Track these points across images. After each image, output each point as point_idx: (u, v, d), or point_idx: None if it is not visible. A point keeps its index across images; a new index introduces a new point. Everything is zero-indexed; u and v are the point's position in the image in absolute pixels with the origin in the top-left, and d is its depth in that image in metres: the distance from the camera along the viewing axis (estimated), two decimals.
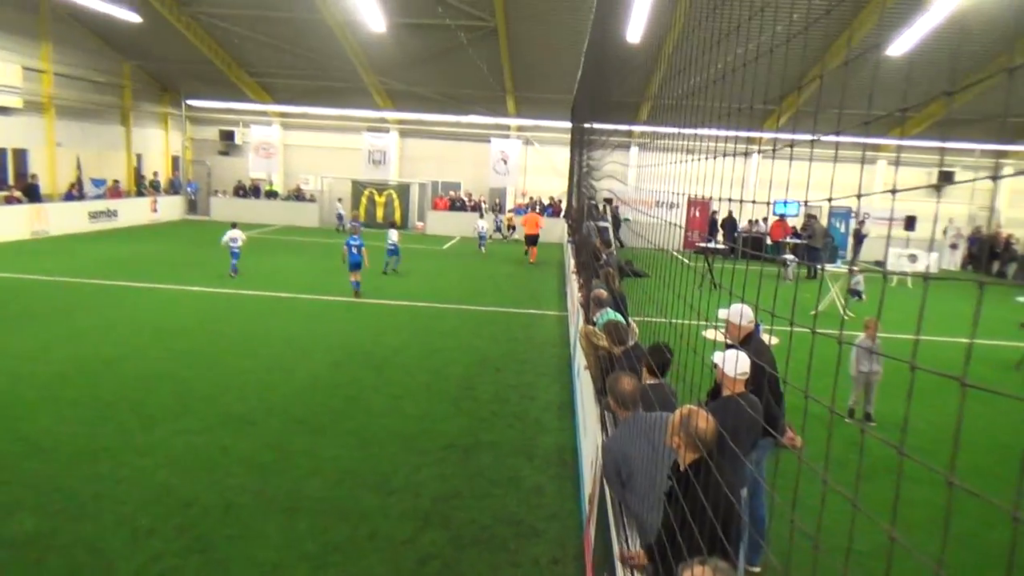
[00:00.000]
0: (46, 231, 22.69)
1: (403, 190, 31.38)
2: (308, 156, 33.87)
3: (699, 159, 3.62)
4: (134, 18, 23.27)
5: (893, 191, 1.70)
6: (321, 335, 12.12)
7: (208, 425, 7.81)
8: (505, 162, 31.11)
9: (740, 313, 5.33)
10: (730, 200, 2.92)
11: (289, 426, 7.93)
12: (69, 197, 25.14)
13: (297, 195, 32.09)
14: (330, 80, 29.28)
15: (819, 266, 21.51)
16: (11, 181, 23.68)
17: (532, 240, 24.13)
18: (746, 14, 3.13)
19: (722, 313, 5.47)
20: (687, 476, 3.30)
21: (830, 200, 1.97)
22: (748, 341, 5.29)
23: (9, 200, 22.26)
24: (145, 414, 8.03)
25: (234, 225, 17.79)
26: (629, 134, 28.58)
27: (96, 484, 6.31)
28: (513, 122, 31.77)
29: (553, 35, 23.80)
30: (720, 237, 26.18)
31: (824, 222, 26.63)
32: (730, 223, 27.46)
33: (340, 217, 29.83)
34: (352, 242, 15.61)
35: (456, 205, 31.12)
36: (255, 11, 24.09)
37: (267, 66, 28.91)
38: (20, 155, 24.29)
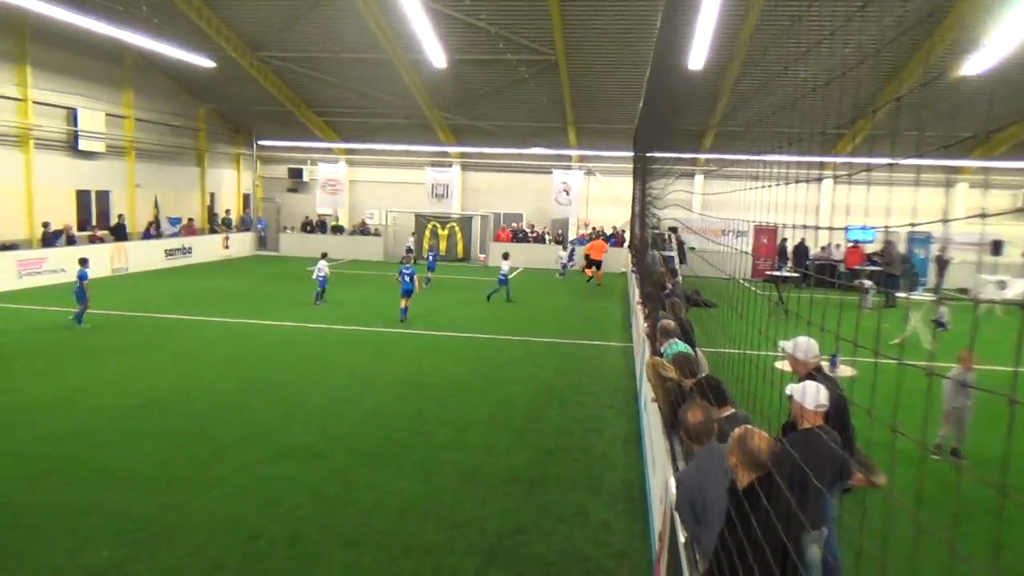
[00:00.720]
0: (125, 268, 23.79)
1: (465, 222, 31.76)
2: (373, 191, 34.71)
3: (767, 186, 3.55)
4: (208, 64, 24.44)
5: (983, 215, 1.62)
6: (385, 367, 12.27)
7: (275, 456, 7.96)
8: (567, 193, 31.22)
9: (804, 348, 5.11)
10: (804, 227, 2.85)
11: (354, 458, 8.01)
12: (147, 235, 26.34)
13: (362, 229, 32.85)
14: (394, 117, 30.05)
15: (898, 294, 20.71)
16: (94, 221, 24.97)
17: (596, 264, 24.75)
18: (814, 38, 3.07)
19: (786, 345, 5.24)
20: (745, 497, 3.20)
21: (912, 225, 1.89)
22: (812, 377, 5.09)
23: (93, 239, 23.44)
24: (215, 445, 8.25)
25: (324, 256, 19.02)
26: (693, 162, 28.34)
27: (169, 514, 6.48)
28: (574, 153, 31.91)
29: (613, 65, 23.92)
30: (791, 264, 25.54)
31: (902, 248, 25.71)
32: (802, 250, 26.78)
33: (410, 250, 30.19)
34: (404, 271, 16.64)
35: (519, 236, 31.28)
36: (322, 53, 25.00)
37: (333, 105, 29.89)
38: (102, 196, 25.62)
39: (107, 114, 24.84)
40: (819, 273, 24.86)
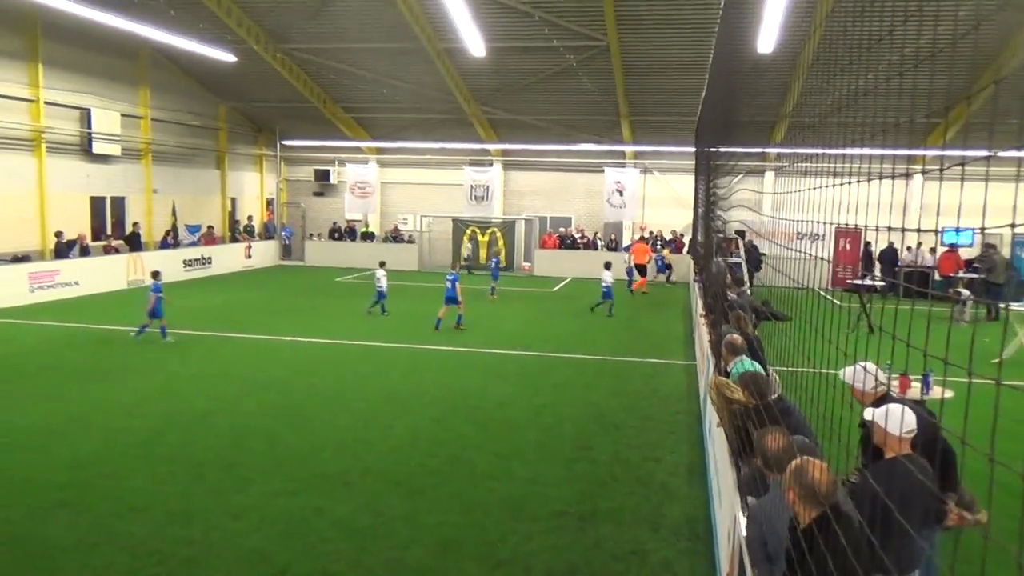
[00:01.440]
0: (142, 280, 24.45)
1: (508, 227, 31.91)
2: (406, 194, 35.11)
3: (848, 183, 3.51)
4: (229, 58, 25.07)
5: None
6: (421, 387, 12.38)
7: (302, 485, 8.08)
8: (621, 193, 31.14)
9: (863, 376, 5.02)
10: (890, 229, 2.81)
11: (387, 487, 8.09)
12: (164, 245, 27.07)
13: (394, 236, 33.20)
14: (429, 112, 30.40)
15: (1001, 305, 20.12)
16: (109, 230, 25.76)
17: (641, 270, 24.40)
18: (901, 15, 3.04)
19: (846, 375, 5.12)
20: (808, 536, 3.16)
21: (1013, 227, 1.86)
22: (880, 404, 4.98)
23: (107, 250, 24.18)
24: (238, 473, 8.41)
25: (382, 264, 19.89)
26: (763, 157, 28.01)
27: (188, 548, 6.63)
28: (629, 149, 31.83)
29: (672, 51, 23.82)
30: (877, 272, 25.03)
31: (1006, 252, 24.98)
32: (889, 255, 26.22)
33: (467, 259, 30.71)
34: (449, 278, 17.66)
35: (567, 243, 31.22)
36: (350, 44, 25.45)
37: (363, 101, 30.37)
38: (117, 203, 26.44)
39: (122, 114, 25.64)
40: (909, 281, 24.31)
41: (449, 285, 17.47)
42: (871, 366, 5.07)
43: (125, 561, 6.38)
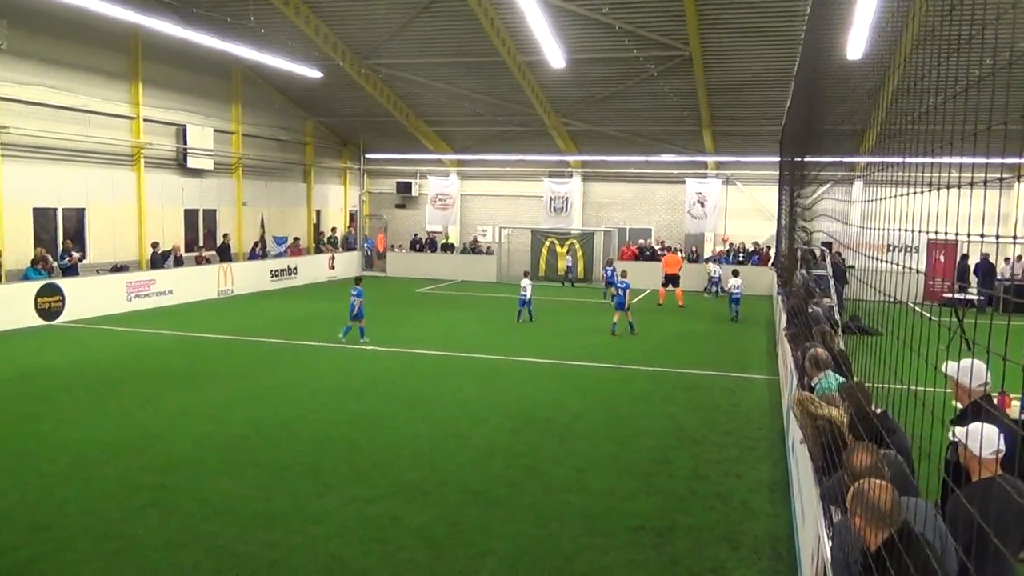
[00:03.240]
0: (231, 290, 25.34)
1: (587, 239, 31.80)
2: (485, 206, 35.41)
3: (942, 191, 3.37)
4: (316, 74, 25.82)
5: None
6: (498, 398, 12.43)
7: (380, 493, 8.20)
8: (702, 204, 30.69)
9: (971, 372, 4.84)
10: (982, 238, 2.68)
11: (464, 497, 8.13)
12: (252, 255, 27.99)
13: (473, 247, 33.51)
14: (509, 125, 30.62)
15: None
16: (201, 241, 26.80)
17: (672, 280, 24.10)
18: (993, 13, 2.91)
19: (951, 367, 4.98)
20: (878, 561, 3.02)
21: None
22: (978, 408, 4.75)
23: (199, 260, 25.16)
24: (319, 479, 8.59)
25: (526, 274, 20.91)
26: (852, 167, 27.18)
27: (270, 551, 6.80)
28: (711, 159, 31.37)
29: (757, 59, 23.38)
30: (973, 285, 23.93)
31: None
32: (985, 267, 25.04)
33: (569, 269, 31.07)
34: (621, 285, 18.75)
35: (646, 254, 30.89)
36: (432, 58, 25.88)
37: (445, 114, 30.82)
38: (209, 215, 27.50)
39: (216, 130, 26.69)
40: (1012, 294, 23.15)
41: (620, 292, 18.55)
42: (980, 363, 4.90)
43: (211, 562, 6.58)
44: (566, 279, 30.68)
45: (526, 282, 20.36)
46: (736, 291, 22.06)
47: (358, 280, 17.66)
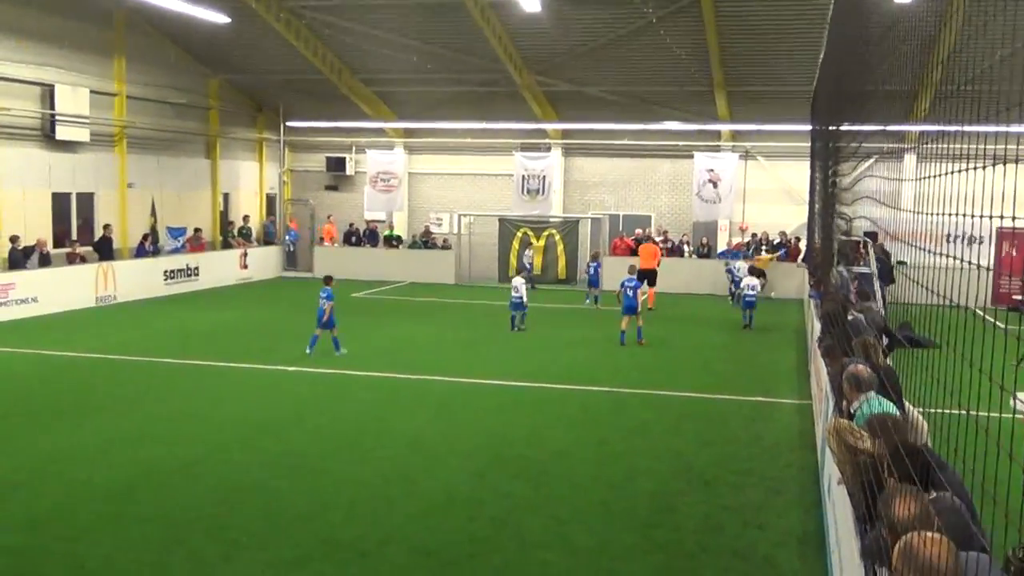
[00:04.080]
0: (113, 296, 25.02)
1: (569, 229, 31.85)
2: (440, 188, 35.34)
3: (1017, 166, 3.41)
4: (222, 19, 25.59)
5: None
6: (458, 432, 12.39)
7: (307, 555, 8.13)
8: (715, 185, 30.85)
9: None
10: None
11: (413, 559, 8.09)
12: (141, 252, 27.63)
13: (425, 240, 33.41)
14: (469, 84, 30.57)
15: None
16: (74, 234, 26.41)
17: (646, 277, 23.90)
18: None
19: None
20: None
21: None
22: None
23: (72, 259, 24.81)
24: (226, 538, 8.49)
25: (519, 271, 21.28)
26: (901, 137, 27.51)
27: None
28: (725, 128, 31.59)
29: (780, 2, 23.60)
30: None
31: None
32: None
33: (526, 268, 30.09)
34: (630, 284, 19.49)
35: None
36: (371, 0, 25.77)
37: (387, 71, 30.68)
38: (84, 200, 27.11)
39: (92, 91, 26.31)
40: None
41: (630, 293, 19.20)
42: None
43: None
44: (527, 278, 30.01)
45: (519, 281, 20.77)
46: (751, 292, 22.33)
47: (328, 280, 17.97)
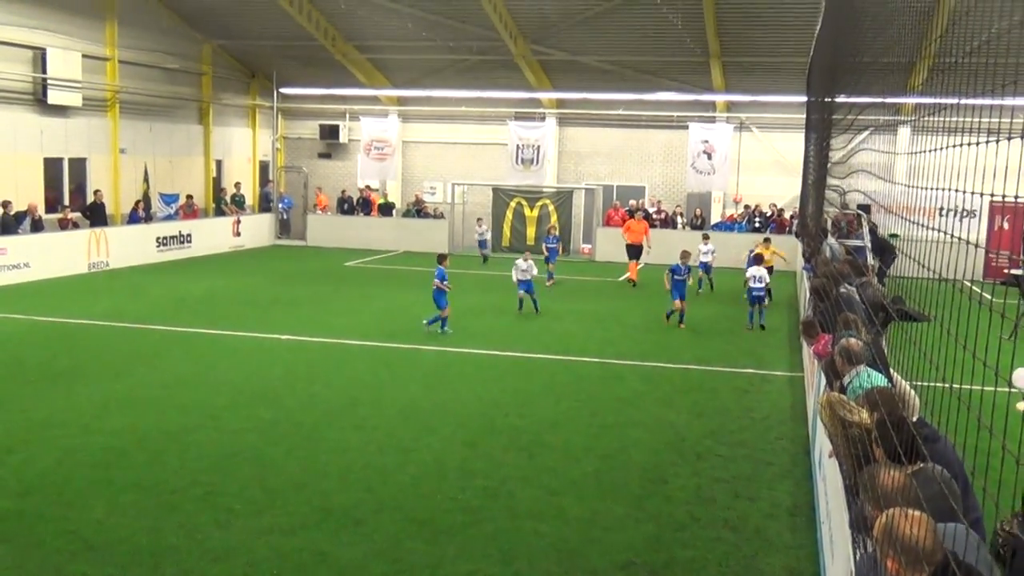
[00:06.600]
0: (106, 263, 24.95)
1: (563, 199, 31.83)
2: (434, 157, 35.23)
3: (1010, 141, 3.40)
4: None
5: None
6: (451, 402, 12.41)
7: (300, 522, 8.16)
8: (709, 156, 30.83)
9: None
10: None
11: (406, 528, 8.12)
12: (134, 218, 27.55)
13: (419, 209, 33.33)
14: (464, 53, 30.41)
15: None
16: (66, 199, 26.29)
17: (635, 252, 24.13)
18: None
19: (1018, 379, 5.08)
20: None
21: None
22: None
23: (64, 224, 24.70)
24: (220, 505, 8.52)
25: (527, 255, 19.75)
26: (896, 109, 27.46)
27: None
28: (720, 99, 31.51)
29: None
30: None
31: None
32: None
33: (484, 244, 30.05)
34: (678, 269, 18.45)
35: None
36: None
37: (382, 38, 30.51)
38: (77, 166, 26.98)
39: (84, 56, 26.11)
40: None
41: (682, 275, 18.35)
42: None
43: None
44: (483, 253, 29.53)
45: (522, 262, 19.34)
46: (758, 285, 18.64)
47: (441, 258, 17.41)
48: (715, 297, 22.78)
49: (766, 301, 19.29)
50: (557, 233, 26.34)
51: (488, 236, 30.26)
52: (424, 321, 16.98)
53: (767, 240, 22.97)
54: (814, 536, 8.07)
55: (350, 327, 17.41)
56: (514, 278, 19.37)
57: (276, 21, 29.42)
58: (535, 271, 19.60)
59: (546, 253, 24.68)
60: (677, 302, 18.46)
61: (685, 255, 19.02)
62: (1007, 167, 3.46)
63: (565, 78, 31.88)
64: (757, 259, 19.94)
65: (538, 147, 32.62)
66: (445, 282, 16.74)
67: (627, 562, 7.55)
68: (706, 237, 23.61)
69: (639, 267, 24.75)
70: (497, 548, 7.75)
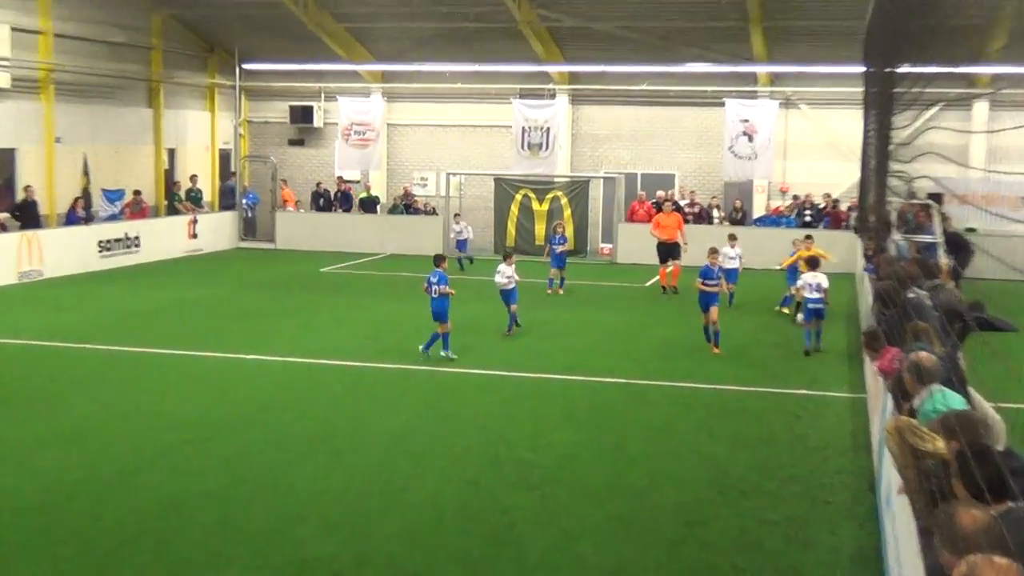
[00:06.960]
0: (39, 272, 24.95)
1: (578, 192, 31.77)
2: (425, 142, 35.21)
3: None
4: None
5: None
6: (448, 432, 12.37)
7: None
8: (750, 138, 30.74)
9: None
10: None
11: None
12: (72, 219, 27.54)
13: (407, 204, 33.27)
14: (459, 20, 30.36)
15: None
16: None
17: (669, 252, 23.73)
18: None
19: None
20: None
21: None
22: None
23: None
24: (175, 557, 8.49)
25: (507, 256, 18.96)
26: (970, 81, 27.42)
27: None
28: (763, 70, 31.45)
29: None
30: None
31: None
32: None
33: (463, 245, 29.63)
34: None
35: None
36: None
37: (362, 4, 30.50)
38: (4, 158, 26.98)
39: (13, 28, 26.13)
40: None
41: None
42: None
43: None
44: (461, 256, 28.92)
45: (506, 267, 18.57)
46: (816, 296, 17.64)
47: (438, 260, 16.91)
48: (758, 306, 22.69)
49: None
50: (564, 232, 25.38)
51: (469, 235, 29.73)
52: (421, 348, 16.24)
53: (808, 238, 21.49)
54: None
55: (327, 345, 17.38)
56: (497, 286, 18.47)
57: None
58: (512, 278, 18.45)
59: (548, 256, 24.29)
60: (713, 310, 17.32)
61: (714, 253, 18.21)
62: None
63: (578, 48, 31.88)
64: (813, 262, 18.80)
65: (547, 129, 32.52)
66: (447, 287, 16.20)
67: None
68: (733, 237, 22.23)
69: (679, 270, 24.10)
70: None
